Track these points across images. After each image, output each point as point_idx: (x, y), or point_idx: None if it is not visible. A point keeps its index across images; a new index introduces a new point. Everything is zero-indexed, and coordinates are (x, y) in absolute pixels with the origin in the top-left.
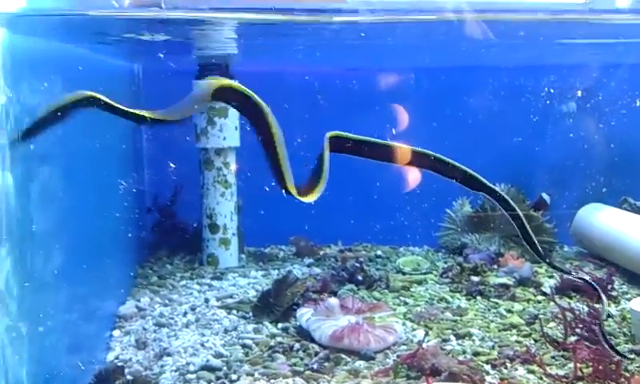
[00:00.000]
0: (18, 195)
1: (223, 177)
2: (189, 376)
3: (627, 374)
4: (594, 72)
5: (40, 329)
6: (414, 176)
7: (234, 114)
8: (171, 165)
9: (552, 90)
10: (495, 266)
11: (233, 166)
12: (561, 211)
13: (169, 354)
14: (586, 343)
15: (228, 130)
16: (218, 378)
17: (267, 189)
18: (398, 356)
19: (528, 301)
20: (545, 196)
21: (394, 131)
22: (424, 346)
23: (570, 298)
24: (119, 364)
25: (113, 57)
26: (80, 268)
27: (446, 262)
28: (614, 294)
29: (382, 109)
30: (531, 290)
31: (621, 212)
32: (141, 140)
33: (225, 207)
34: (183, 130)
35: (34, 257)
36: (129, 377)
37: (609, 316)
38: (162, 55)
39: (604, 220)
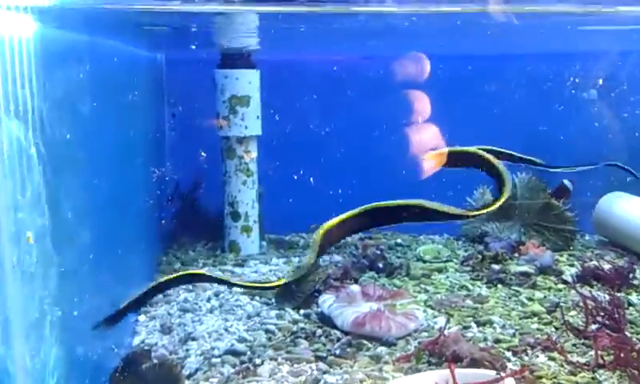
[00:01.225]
0: (46, 186)
1: (245, 165)
2: (213, 360)
3: None
4: (619, 60)
5: (68, 313)
6: (430, 164)
7: (255, 102)
8: (202, 154)
9: (577, 79)
10: (516, 255)
11: (254, 155)
12: (584, 200)
13: (193, 339)
14: (607, 331)
15: (250, 118)
16: (242, 362)
17: (295, 177)
18: (419, 342)
19: (549, 289)
20: (566, 182)
21: (419, 119)
22: (445, 332)
23: (592, 286)
24: (145, 348)
25: (136, 47)
26: (106, 255)
27: (466, 251)
28: (635, 282)
29: (405, 97)
30: (552, 278)
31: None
32: (164, 130)
33: (246, 195)
34: (205, 119)
35: (63, 244)
36: (155, 360)
37: (630, 304)
38: (192, 47)
39: (625, 208)
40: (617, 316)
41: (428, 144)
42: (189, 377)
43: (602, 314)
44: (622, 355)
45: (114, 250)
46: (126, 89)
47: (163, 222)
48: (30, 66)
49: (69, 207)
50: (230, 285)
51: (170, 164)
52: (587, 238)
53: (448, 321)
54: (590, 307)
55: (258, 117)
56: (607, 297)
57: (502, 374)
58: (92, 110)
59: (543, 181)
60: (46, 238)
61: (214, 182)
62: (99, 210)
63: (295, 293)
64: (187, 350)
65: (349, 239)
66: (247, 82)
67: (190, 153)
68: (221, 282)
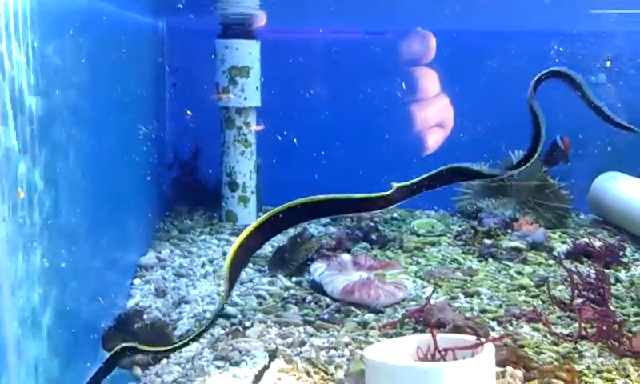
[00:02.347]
0: (43, 146)
1: (243, 136)
2: (205, 322)
3: (630, 335)
4: (618, 40)
5: (61, 271)
6: (434, 139)
7: (255, 73)
8: (188, 113)
9: (579, 57)
10: (509, 231)
11: (253, 126)
12: (580, 179)
13: (187, 302)
14: (592, 305)
15: (249, 89)
16: (233, 325)
17: (295, 142)
18: (406, 311)
19: (539, 264)
20: (558, 140)
21: (424, 96)
22: (432, 301)
23: (582, 262)
24: (138, 309)
25: (138, 13)
26: (103, 217)
27: (460, 226)
28: (624, 260)
29: (409, 73)
30: (543, 254)
31: (637, 181)
32: (164, 98)
33: (244, 166)
34: (206, 88)
35: (59, 205)
36: (147, 321)
37: (617, 281)
38: (190, 16)
39: (620, 188)
40: (602, 291)
41: (432, 120)
42: (180, 337)
43: (588, 288)
44: (604, 328)
45: (111, 213)
46: (126, 54)
47: (163, 190)
48: (27, 29)
49: (66, 167)
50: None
51: (169, 132)
52: (582, 216)
53: (435, 290)
54: (576, 282)
55: (257, 88)
56: (594, 272)
57: (483, 340)
58: (91, 74)
59: (539, 158)
60: (41, 197)
61: (213, 152)
62: (95, 174)
63: (288, 261)
64: (180, 313)
65: None
66: (247, 52)
67: (189, 122)
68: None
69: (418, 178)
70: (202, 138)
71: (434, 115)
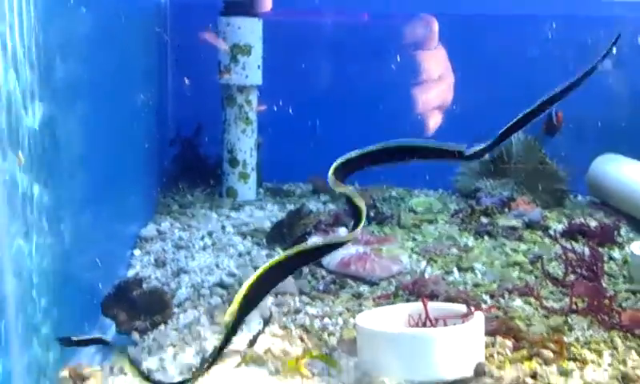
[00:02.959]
0: (44, 116)
1: (245, 114)
2: (203, 291)
3: (619, 309)
4: (618, 24)
5: (64, 240)
6: (435, 120)
7: (257, 52)
8: (186, 80)
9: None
10: (506, 210)
11: (254, 104)
12: (580, 162)
13: (185, 273)
14: (585, 282)
15: (251, 67)
16: (230, 294)
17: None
18: (400, 283)
19: (534, 242)
20: (553, 113)
21: (427, 78)
22: (426, 275)
23: (577, 241)
24: (137, 277)
25: None
26: (104, 189)
27: (458, 205)
28: (619, 240)
29: (411, 55)
30: (539, 232)
31: (635, 163)
32: (166, 75)
33: (245, 143)
34: (208, 66)
35: (61, 175)
36: (146, 289)
37: (611, 259)
38: None
39: (618, 170)
40: (595, 268)
41: (433, 102)
42: (178, 305)
43: (582, 265)
44: (595, 302)
45: (113, 185)
46: (128, 29)
47: (164, 164)
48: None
49: (67, 137)
50: None
51: (172, 108)
52: (579, 198)
53: (429, 264)
54: (570, 259)
55: (259, 66)
56: (588, 250)
57: (473, 309)
58: (93, 48)
59: (539, 139)
60: (42, 166)
61: (214, 129)
62: (96, 145)
63: (286, 235)
64: (179, 283)
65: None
66: (249, 31)
67: (191, 98)
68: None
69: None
70: (204, 115)
71: (437, 96)
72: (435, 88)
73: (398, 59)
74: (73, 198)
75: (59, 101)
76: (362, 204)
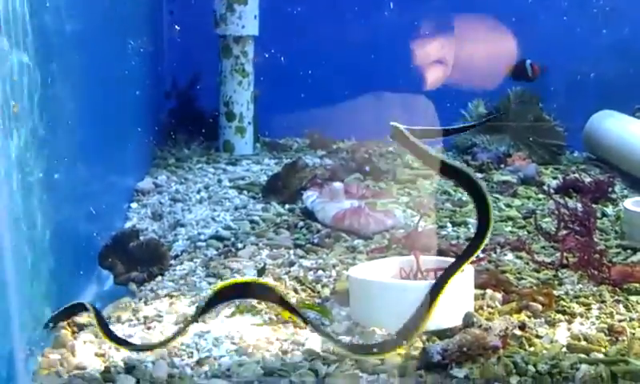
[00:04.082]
0: (40, 71)
1: (241, 66)
2: (199, 243)
3: (610, 264)
4: None
5: (62, 193)
6: (434, 76)
7: (253, 1)
8: (176, 27)
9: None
10: (502, 165)
11: (251, 55)
12: (577, 118)
13: (182, 225)
14: (577, 237)
15: (247, 18)
16: (225, 246)
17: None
18: (393, 236)
19: (528, 198)
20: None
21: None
22: (419, 229)
23: (571, 197)
24: (134, 229)
25: None
26: (100, 142)
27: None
28: (613, 196)
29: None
30: (533, 188)
31: (632, 120)
32: (162, 24)
33: (241, 96)
34: (203, 16)
35: (56, 128)
36: (142, 240)
37: (604, 215)
38: None
39: (614, 126)
40: (587, 223)
41: (433, 56)
42: (175, 257)
43: (574, 220)
44: (585, 257)
45: (108, 138)
46: None
47: (160, 118)
48: None
49: (62, 89)
50: None
51: (167, 61)
52: (576, 154)
53: (421, 217)
54: (563, 214)
55: (255, 16)
56: (581, 206)
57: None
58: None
59: (537, 94)
60: (38, 118)
61: (210, 82)
62: (93, 97)
63: (282, 189)
64: (176, 235)
65: (340, 144)
66: None
67: (187, 50)
68: None
69: None
70: (200, 67)
71: (435, 50)
72: (434, 41)
73: (391, 7)
74: (68, 151)
75: (52, 52)
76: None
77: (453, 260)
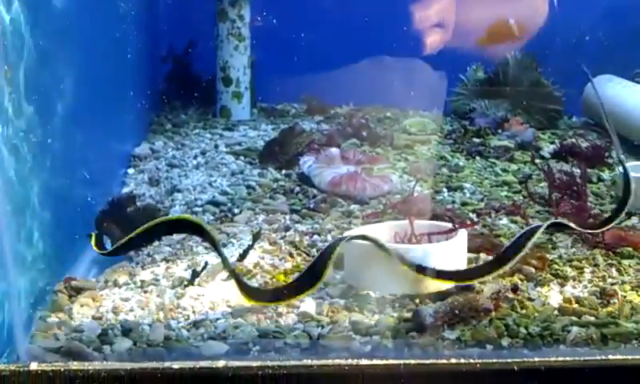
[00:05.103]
0: (33, 36)
1: (237, 30)
2: (196, 209)
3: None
4: None
5: (58, 158)
6: (433, 39)
7: None
8: None
9: None
10: (499, 131)
11: (247, 19)
12: (576, 82)
13: (179, 191)
14: (571, 201)
15: None
16: (222, 211)
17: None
18: (388, 201)
19: (525, 163)
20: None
21: None
22: (415, 194)
23: (567, 162)
24: (131, 194)
25: None
26: (95, 105)
27: (452, 126)
28: (609, 161)
29: None
30: (530, 153)
31: (630, 84)
32: None
33: (238, 61)
34: None
35: (49, 95)
36: (139, 205)
37: (600, 180)
38: None
39: (612, 91)
40: (581, 188)
41: (433, 18)
42: None
43: (568, 185)
44: (579, 221)
45: (104, 103)
46: None
47: (157, 83)
48: None
49: (56, 52)
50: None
51: (163, 24)
52: (574, 119)
53: (417, 182)
54: (556, 178)
55: None
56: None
57: (457, 226)
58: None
59: (536, 60)
60: (32, 82)
61: (207, 46)
62: (89, 61)
63: (279, 154)
64: (172, 200)
65: (338, 110)
66: None
67: (183, 14)
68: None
69: None
70: (197, 31)
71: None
72: (434, 4)
73: None
74: (64, 115)
75: (41, 16)
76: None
77: (448, 224)
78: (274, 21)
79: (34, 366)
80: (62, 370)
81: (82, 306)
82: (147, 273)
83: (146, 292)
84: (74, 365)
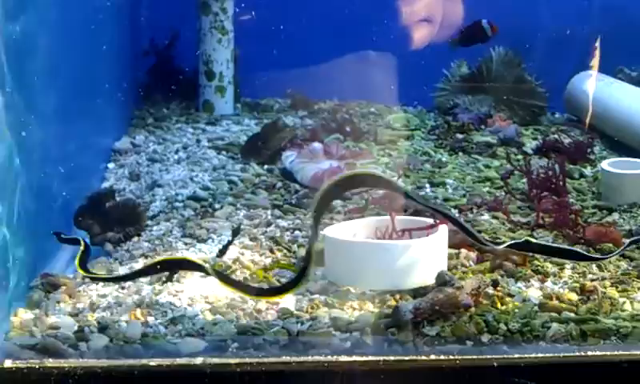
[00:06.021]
0: (8, 27)
1: (220, 23)
2: (176, 204)
3: (584, 224)
4: None
5: (36, 152)
6: (421, 34)
7: None
8: None
9: None
10: (482, 126)
11: (230, 12)
12: (559, 78)
13: (159, 186)
14: (553, 197)
15: None
16: (203, 207)
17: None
18: (370, 197)
19: (507, 159)
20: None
21: None
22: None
23: (549, 158)
24: (110, 189)
25: None
26: (75, 99)
27: (436, 121)
28: (592, 157)
29: None
30: (513, 149)
31: (613, 81)
32: None
33: (221, 54)
34: None
35: (30, 90)
36: (119, 200)
37: (582, 176)
38: None
39: (595, 87)
40: (561, 184)
41: (420, 13)
42: (152, 218)
43: (548, 181)
44: (561, 217)
45: (84, 96)
46: None
47: (138, 76)
48: None
49: (34, 44)
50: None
51: (144, 17)
52: (557, 115)
53: (399, 177)
54: (538, 175)
55: None
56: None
57: (437, 221)
58: None
59: (519, 55)
60: (10, 73)
61: (190, 39)
62: (69, 55)
63: (261, 149)
64: (153, 196)
65: (322, 105)
66: None
67: (165, 6)
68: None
69: None
70: (179, 24)
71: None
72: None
73: None
74: (43, 109)
75: (28, 14)
76: None
77: (428, 220)
78: (259, 14)
79: (8, 363)
80: (38, 367)
81: (58, 302)
82: (125, 269)
83: (123, 288)
84: (50, 362)
